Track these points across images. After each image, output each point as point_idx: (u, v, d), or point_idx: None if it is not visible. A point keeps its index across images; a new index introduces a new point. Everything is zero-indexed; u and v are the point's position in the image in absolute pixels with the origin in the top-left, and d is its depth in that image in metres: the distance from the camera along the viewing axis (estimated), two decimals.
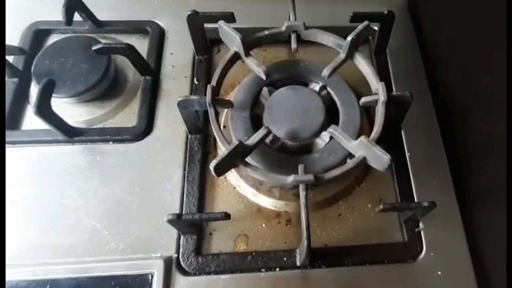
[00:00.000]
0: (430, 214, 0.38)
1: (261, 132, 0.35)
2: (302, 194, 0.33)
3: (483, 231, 0.39)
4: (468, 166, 0.42)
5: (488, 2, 0.39)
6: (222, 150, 0.33)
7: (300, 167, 0.34)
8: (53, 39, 0.48)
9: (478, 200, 0.40)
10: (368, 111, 0.46)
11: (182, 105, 0.37)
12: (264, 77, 0.38)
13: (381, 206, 0.34)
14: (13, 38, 0.47)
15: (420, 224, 0.39)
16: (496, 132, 0.39)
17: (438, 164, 0.43)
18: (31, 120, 0.43)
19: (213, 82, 0.37)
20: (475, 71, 0.43)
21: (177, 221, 0.33)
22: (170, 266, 0.36)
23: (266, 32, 0.40)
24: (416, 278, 0.38)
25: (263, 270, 0.37)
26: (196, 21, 0.43)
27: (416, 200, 0.41)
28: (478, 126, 0.43)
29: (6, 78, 0.44)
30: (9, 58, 0.44)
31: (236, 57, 0.39)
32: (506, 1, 0.36)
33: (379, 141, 0.35)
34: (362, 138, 0.34)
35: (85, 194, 0.40)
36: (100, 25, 0.48)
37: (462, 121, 0.45)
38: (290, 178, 0.33)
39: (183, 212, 0.39)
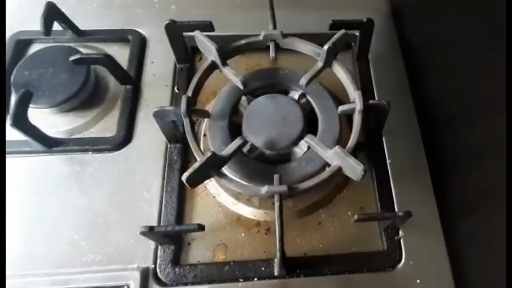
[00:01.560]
0: (410, 222, 0.38)
1: (236, 143, 0.35)
2: (276, 204, 0.33)
3: (463, 240, 0.38)
4: (450, 174, 0.42)
5: (472, 8, 0.39)
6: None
7: (275, 177, 0.34)
8: (34, 49, 0.48)
9: (459, 208, 0.40)
10: (350, 119, 0.45)
11: (158, 115, 0.37)
12: (241, 87, 0.38)
13: (355, 217, 0.34)
14: None
15: (400, 232, 0.39)
16: (479, 140, 0.39)
17: (419, 171, 0.43)
18: (11, 131, 0.43)
19: (189, 93, 0.37)
20: (459, 78, 0.43)
21: (149, 233, 0.33)
22: (147, 277, 0.36)
23: (243, 41, 0.40)
24: (395, 286, 0.37)
25: (241, 280, 0.37)
26: (174, 30, 0.43)
27: (396, 207, 0.41)
28: (460, 134, 0.42)
29: None
30: None
31: (213, 66, 0.39)
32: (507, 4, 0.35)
33: (359, 149, 0.35)
34: (337, 148, 0.34)
35: (64, 204, 0.40)
36: (81, 34, 0.48)
37: (444, 129, 0.45)
38: (264, 189, 0.33)
39: (161, 223, 0.39)
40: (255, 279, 0.37)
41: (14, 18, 0.49)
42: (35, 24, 0.47)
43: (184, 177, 0.31)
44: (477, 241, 0.37)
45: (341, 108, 0.38)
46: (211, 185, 0.42)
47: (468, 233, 0.38)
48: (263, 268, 0.37)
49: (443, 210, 0.41)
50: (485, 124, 0.38)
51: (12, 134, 0.43)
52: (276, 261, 0.35)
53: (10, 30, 0.48)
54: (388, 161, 0.43)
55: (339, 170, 0.34)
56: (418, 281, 0.37)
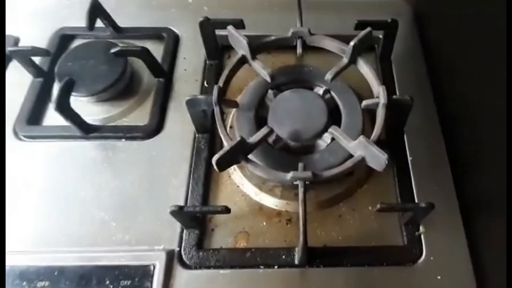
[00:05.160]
0: (431, 218, 0.38)
1: (263, 131, 0.37)
2: (300, 190, 0.34)
3: (484, 237, 0.38)
4: (470, 172, 0.42)
5: (494, 11, 0.40)
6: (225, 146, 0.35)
7: (300, 165, 0.36)
8: (77, 43, 0.51)
9: (479, 206, 0.40)
10: (371, 115, 0.46)
11: (190, 104, 0.39)
12: (268, 80, 0.40)
13: (378, 206, 0.35)
14: (40, 42, 0.51)
15: (421, 228, 0.39)
16: (497, 140, 0.39)
17: (440, 169, 0.43)
18: (52, 118, 0.46)
19: (220, 83, 0.39)
20: (479, 79, 0.44)
21: (179, 212, 0.34)
22: (172, 258, 0.38)
23: (273, 38, 0.42)
24: (415, 281, 0.37)
25: (262, 267, 0.38)
26: (208, 27, 0.46)
27: None
28: (480, 133, 0.43)
29: (32, 78, 0.48)
30: (35, 60, 0.47)
31: (243, 60, 0.41)
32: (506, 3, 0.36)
33: (382, 145, 0.36)
34: (361, 137, 0.35)
35: (97, 187, 0.42)
36: (120, 31, 0.51)
37: (465, 128, 0.45)
38: (289, 175, 0.34)
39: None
40: (276, 266, 0.38)
41: (59, 14, 0.54)
42: (78, 21, 0.51)
43: (214, 159, 0.33)
44: (498, 238, 0.37)
45: (365, 102, 0.39)
46: (236, 174, 0.43)
47: (489, 230, 0.38)
48: (284, 256, 0.38)
49: (464, 207, 0.41)
50: (505, 122, 0.38)
51: (52, 120, 0.46)
52: (299, 248, 0.35)
53: (55, 26, 0.53)
54: (409, 158, 0.44)
55: (363, 160, 0.35)
56: (439, 277, 0.37)
